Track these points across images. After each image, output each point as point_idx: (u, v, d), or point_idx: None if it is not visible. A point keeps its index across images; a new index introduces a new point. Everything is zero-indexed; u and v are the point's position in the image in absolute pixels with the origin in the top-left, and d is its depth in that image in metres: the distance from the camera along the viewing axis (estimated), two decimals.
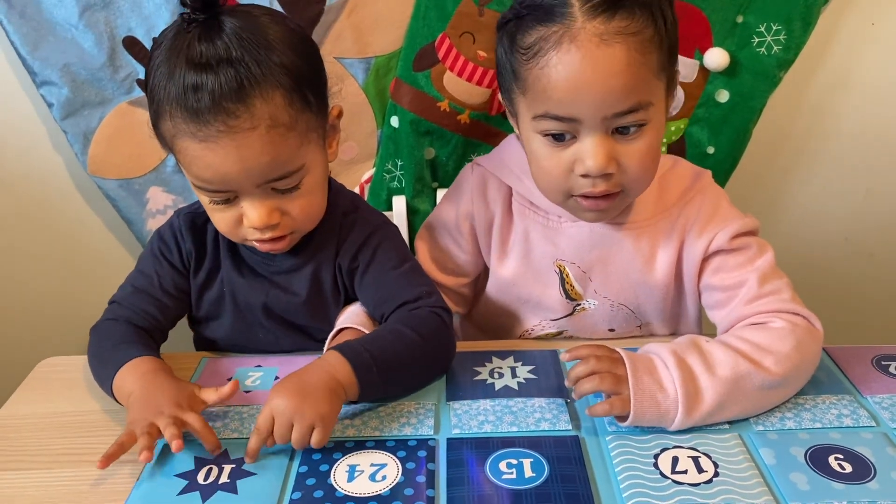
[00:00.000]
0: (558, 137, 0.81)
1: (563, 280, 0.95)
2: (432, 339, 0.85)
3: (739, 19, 1.18)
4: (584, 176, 0.81)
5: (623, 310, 0.96)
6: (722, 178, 1.30)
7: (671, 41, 0.81)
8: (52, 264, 1.39)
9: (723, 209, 0.90)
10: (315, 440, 0.73)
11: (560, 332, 1.00)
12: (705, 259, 0.90)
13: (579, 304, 0.96)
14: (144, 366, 0.82)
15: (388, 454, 0.76)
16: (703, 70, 1.21)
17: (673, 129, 1.25)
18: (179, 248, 0.93)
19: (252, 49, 0.76)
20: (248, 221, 0.82)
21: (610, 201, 0.84)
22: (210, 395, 0.80)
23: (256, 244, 0.86)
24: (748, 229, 0.88)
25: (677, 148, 1.27)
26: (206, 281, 0.94)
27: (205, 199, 0.84)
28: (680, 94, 1.23)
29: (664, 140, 1.26)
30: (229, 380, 0.87)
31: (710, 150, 1.26)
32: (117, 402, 0.82)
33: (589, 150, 0.79)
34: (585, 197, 0.84)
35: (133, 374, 0.81)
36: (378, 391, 0.81)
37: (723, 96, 1.23)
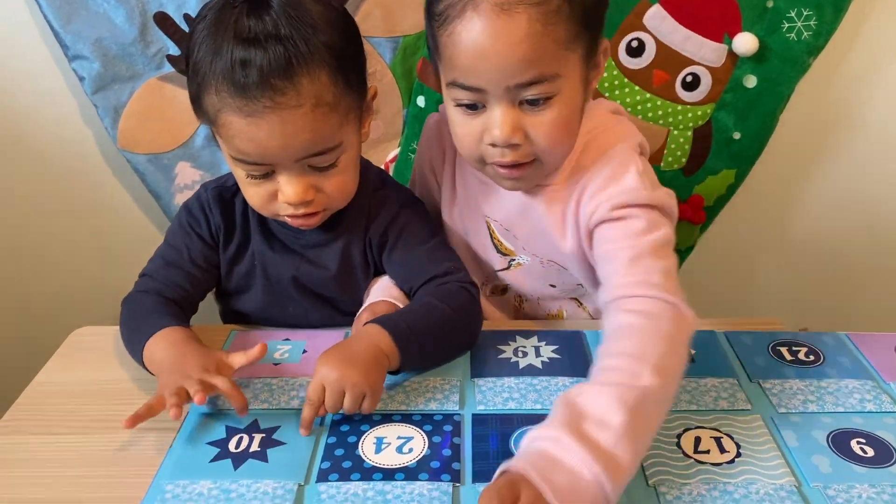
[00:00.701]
0: (470, 107, 0.81)
1: (491, 235, 0.96)
2: (462, 312, 0.88)
3: (769, 4, 1.18)
4: (493, 145, 0.81)
5: (554, 266, 0.95)
6: (747, 163, 1.30)
7: (587, 11, 0.78)
8: (80, 237, 1.41)
9: (625, 179, 0.83)
10: (366, 407, 0.76)
11: (506, 289, 1.01)
12: (594, 228, 0.84)
13: (514, 260, 0.97)
14: (174, 335, 0.83)
15: (415, 427, 0.77)
16: (732, 55, 1.21)
17: (699, 113, 1.25)
18: (208, 220, 0.95)
19: (300, 27, 0.77)
20: (283, 197, 0.83)
21: (523, 170, 0.83)
22: (238, 359, 0.81)
23: (288, 219, 0.87)
24: (641, 201, 0.81)
25: (703, 133, 1.26)
26: (237, 254, 0.96)
27: (241, 174, 0.85)
28: (707, 78, 1.23)
29: (689, 124, 1.26)
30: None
31: (737, 135, 1.26)
32: (148, 371, 0.84)
33: (495, 120, 0.79)
34: (499, 165, 0.83)
35: (162, 343, 0.83)
36: (415, 362, 0.84)
37: (751, 81, 1.22)
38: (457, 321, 0.87)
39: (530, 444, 0.66)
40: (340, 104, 0.81)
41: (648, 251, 0.78)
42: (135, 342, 0.86)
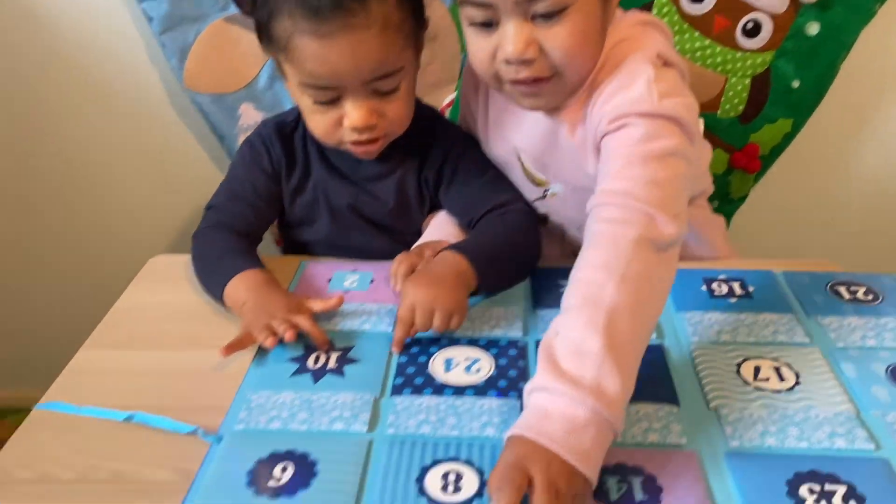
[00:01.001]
0: (484, 25, 0.80)
1: (522, 167, 0.97)
2: (526, 236, 0.93)
3: None
4: (507, 62, 0.80)
5: (585, 192, 0.91)
6: (805, 113, 1.29)
7: None
8: (146, 174, 1.46)
9: (631, 89, 0.79)
10: (454, 324, 0.81)
11: (546, 218, 1.02)
12: (599, 143, 0.81)
13: (548, 190, 0.97)
14: (255, 277, 0.88)
15: (482, 350, 0.81)
16: (795, 2, 1.20)
17: (759, 60, 1.24)
18: (269, 154, 0.99)
19: None
20: (349, 122, 0.87)
21: (541, 86, 0.82)
22: (317, 305, 0.86)
23: (351, 147, 0.91)
24: (642, 111, 0.77)
25: (761, 81, 1.26)
26: (298, 186, 1.00)
27: (307, 102, 0.88)
28: (768, 25, 1.22)
29: (748, 72, 1.25)
30: (329, 280, 0.94)
31: (796, 83, 1.26)
32: (224, 306, 0.89)
33: (508, 36, 0.79)
34: (516, 82, 0.83)
35: (245, 285, 0.87)
36: (490, 282, 0.88)
37: (813, 29, 1.21)
38: (523, 243, 0.93)
39: (526, 401, 0.66)
40: (404, 28, 0.85)
41: (639, 160, 0.74)
42: (213, 280, 0.90)
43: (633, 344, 0.66)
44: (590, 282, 0.68)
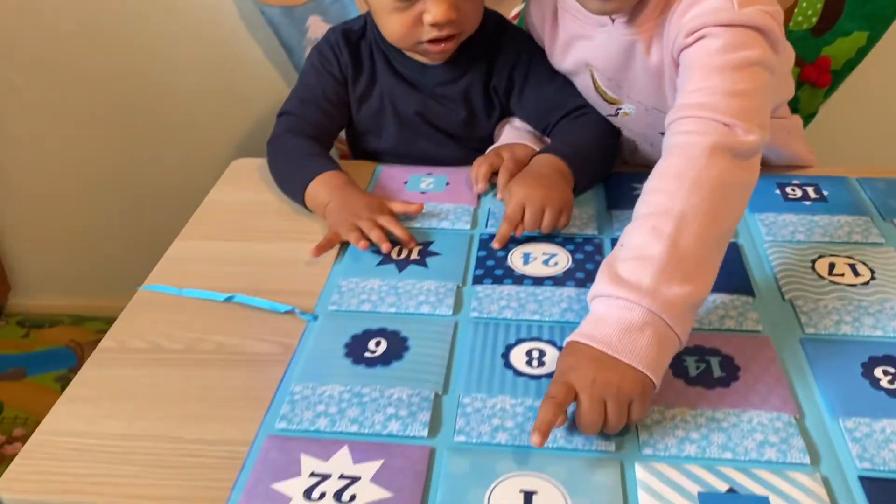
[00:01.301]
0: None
1: (595, 85, 0.96)
2: (609, 138, 0.96)
3: None
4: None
5: (658, 114, 0.90)
6: (881, 26, 1.26)
7: None
8: (218, 86, 1.49)
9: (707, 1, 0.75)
10: (562, 222, 0.84)
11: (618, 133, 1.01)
12: (678, 59, 0.79)
13: (620, 108, 0.96)
14: (336, 179, 0.91)
15: (558, 246, 0.84)
16: None
17: None
18: (338, 59, 1.01)
19: None
20: (430, 17, 0.88)
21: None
22: (398, 206, 0.89)
23: (428, 46, 0.93)
24: (721, 21, 0.73)
25: None
26: (365, 93, 1.02)
27: (387, 2, 0.90)
28: None
29: None
30: (405, 183, 0.97)
31: None
32: (305, 207, 0.92)
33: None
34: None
35: (326, 186, 0.90)
36: (583, 184, 0.91)
37: None
38: (607, 145, 0.96)
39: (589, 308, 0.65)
40: None
41: (718, 72, 0.71)
42: (293, 183, 0.93)
43: (702, 250, 0.64)
44: (660, 190, 0.67)
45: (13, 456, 0.61)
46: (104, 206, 1.66)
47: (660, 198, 0.66)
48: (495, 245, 0.83)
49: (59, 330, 1.74)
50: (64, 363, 1.64)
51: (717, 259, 0.66)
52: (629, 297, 0.61)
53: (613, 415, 0.58)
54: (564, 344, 0.64)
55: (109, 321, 0.77)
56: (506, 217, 0.83)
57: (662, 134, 0.93)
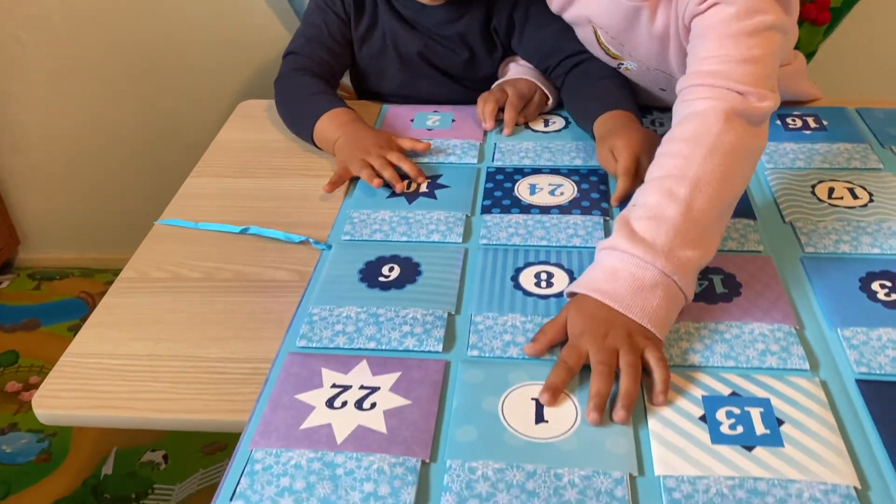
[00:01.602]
0: None
1: (598, 40, 0.96)
2: (616, 77, 0.96)
3: None
4: None
5: (660, 73, 0.92)
6: None
7: None
8: (220, 34, 1.50)
9: None
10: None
11: None
12: (689, 25, 0.78)
13: (622, 64, 0.96)
14: (343, 116, 0.92)
15: (564, 177, 0.85)
16: None
17: None
18: None
19: None
20: None
21: None
22: (406, 143, 0.90)
23: None
24: None
25: None
26: (366, 33, 1.03)
27: None
28: None
29: None
30: (411, 121, 0.99)
31: None
32: (314, 145, 0.94)
33: None
34: None
35: (334, 123, 0.91)
36: None
37: None
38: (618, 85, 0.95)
39: (597, 256, 0.66)
40: None
41: (732, 39, 0.71)
42: (302, 121, 0.95)
43: (714, 214, 0.65)
44: (675, 154, 0.67)
45: (31, 402, 0.63)
46: (112, 158, 1.67)
47: (675, 161, 0.67)
48: (614, 203, 0.80)
49: (69, 282, 1.77)
50: (76, 313, 1.67)
51: (724, 224, 0.68)
52: (644, 257, 0.62)
53: (627, 363, 0.58)
54: (571, 292, 0.65)
55: (119, 273, 0.78)
56: (624, 171, 0.80)
57: (663, 90, 0.95)
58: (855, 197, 0.79)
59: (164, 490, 1.29)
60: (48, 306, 1.70)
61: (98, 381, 0.63)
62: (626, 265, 0.63)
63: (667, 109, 0.97)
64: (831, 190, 0.80)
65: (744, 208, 0.78)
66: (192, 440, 1.37)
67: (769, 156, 0.87)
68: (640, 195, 0.68)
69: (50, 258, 1.82)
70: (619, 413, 0.56)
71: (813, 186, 0.81)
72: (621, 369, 0.58)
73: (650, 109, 0.99)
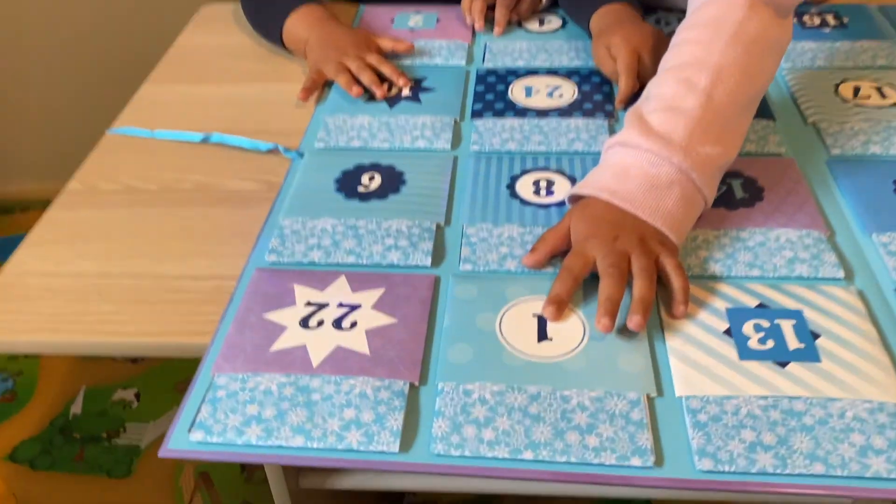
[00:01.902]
0: None
1: None
2: None
3: None
4: None
5: None
6: None
7: None
8: None
9: None
10: None
11: None
12: None
13: None
14: (314, 13, 0.83)
15: (563, 77, 0.77)
16: None
17: None
18: None
19: None
20: None
21: None
22: (386, 43, 0.81)
23: None
24: None
25: None
26: None
27: None
28: None
29: None
30: (392, 21, 0.90)
31: None
32: (284, 47, 0.84)
33: None
34: None
35: (305, 21, 0.82)
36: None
37: None
38: None
39: (604, 157, 0.58)
40: None
41: None
42: (269, 20, 0.85)
43: (735, 109, 0.57)
44: (694, 41, 0.59)
45: None
46: (72, 81, 1.55)
47: (693, 49, 0.59)
48: (618, 106, 0.72)
49: (31, 215, 1.67)
50: None
51: (746, 124, 0.60)
52: (660, 153, 0.54)
53: (641, 267, 0.51)
54: (575, 195, 0.57)
55: None
56: (625, 69, 0.72)
57: None
58: (883, 96, 0.71)
59: (136, 429, 1.23)
60: (8, 240, 1.61)
61: (38, 301, 0.55)
62: (638, 161, 0.55)
63: (674, 9, 0.89)
64: (857, 89, 0.73)
65: (761, 108, 0.70)
66: (165, 377, 1.31)
67: (786, 56, 0.79)
68: (653, 86, 0.60)
69: (8, 191, 1.72)
70: (633, 319, 0.49)
71: (836, 86, 0.73)
72: (634, 274, 0.51)
73: (654, 9, 0.90)
